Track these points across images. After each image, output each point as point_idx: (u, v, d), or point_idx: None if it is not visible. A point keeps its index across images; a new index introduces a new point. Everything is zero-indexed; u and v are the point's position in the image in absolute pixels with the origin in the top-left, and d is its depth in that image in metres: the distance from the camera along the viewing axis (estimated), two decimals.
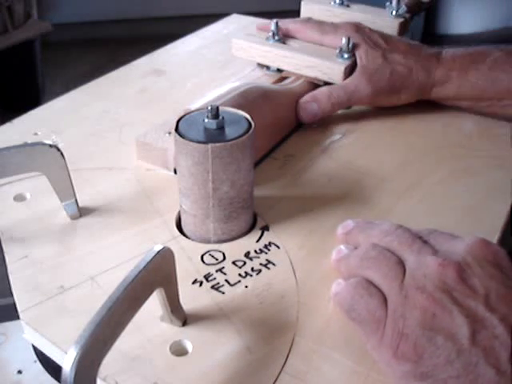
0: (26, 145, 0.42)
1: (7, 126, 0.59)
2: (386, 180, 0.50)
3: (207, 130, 0.40)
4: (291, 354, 0.34)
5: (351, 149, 0.55)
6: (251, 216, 0.44)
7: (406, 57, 0.59)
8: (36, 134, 0.57)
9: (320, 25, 0.62)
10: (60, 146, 0.55)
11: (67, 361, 0.26)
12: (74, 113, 0.62)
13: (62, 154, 0.43)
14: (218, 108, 0.40)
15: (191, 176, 0.40)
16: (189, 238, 0.43)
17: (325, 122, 0.59)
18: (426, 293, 0.32)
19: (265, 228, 0.44)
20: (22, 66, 1.99)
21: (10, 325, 0.50)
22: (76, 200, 0.45)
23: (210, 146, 0.39)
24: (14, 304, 0.38)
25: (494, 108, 0.59)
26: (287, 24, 0.63)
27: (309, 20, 0.64)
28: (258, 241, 0.43)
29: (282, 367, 0.33)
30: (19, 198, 0.47)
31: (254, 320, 0.36)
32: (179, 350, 0.34)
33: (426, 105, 0.62)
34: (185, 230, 0.44)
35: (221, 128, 0.40)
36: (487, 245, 0.34)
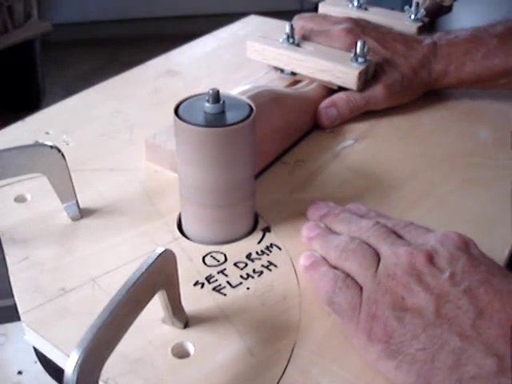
0: (26, 146, 0.42)
1: (19, 124, 0.59)
2: (396, 188, 0.49)
3: (207, 114, 0.39)
4: (290, 366, 0.34)
5: (363, 155, 0.54)
6: (252, 217, 0.44)
7: (407, 60, 0.60)
8: (47, 133, 0.57)
9: (319, 25, 0.63)
10: (70, 145, 0.55)
11: (69, 364, 0.26)
12: (86, 112, 0.62)
13: (62, 155, 0.43)
14: (218, 92, 0.39)
15: (190, 161, 0.40)
16: (190, 240, 0.43)
17: (337, 127, 0.58)
18: (395, 279, 0.34)
19: (266, 229, 0.44)
20: (22, 65, 1.99)
21: (10, 326, 0.50)
22: (77, 201, 0.44)
23: (209, 129, 0.38)
24: (15, 305, 0.38)
25: (492, 86, 0.61)
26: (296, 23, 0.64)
27: (311, 17, 0.65)
28: (259, 242, 0.43)
29: (284, 370, 0.33)
30: (20, 199, 0.47)
31: (255, 322, 0.36)
32: (181, 353, 0.34)
33: (442, 112, 0.61)
34: (186, 231, 0.44)
35: (221, 113, 0.39)
36: (458, 235, 0.35)
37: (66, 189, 0.44)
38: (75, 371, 0.25)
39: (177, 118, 0.39)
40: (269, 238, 0.43)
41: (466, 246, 0.35)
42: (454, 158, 0.54)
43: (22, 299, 0.38)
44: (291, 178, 0.51)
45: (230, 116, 0.39)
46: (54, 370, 0.42)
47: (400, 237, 0.38)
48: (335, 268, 0.38)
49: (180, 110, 0.40)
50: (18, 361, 0.49)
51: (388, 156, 0.54)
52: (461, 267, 0.33)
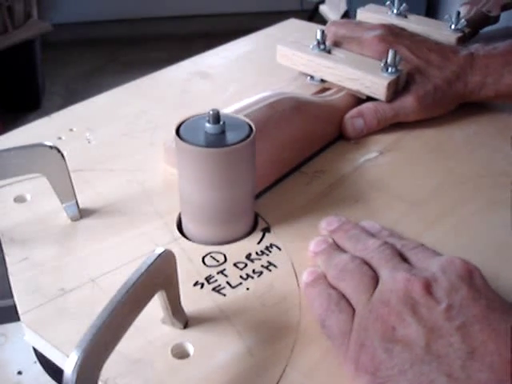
0: (26, 146, 0.42)
1: (45, 119, 0.59)
2: (417, 206, 0.47)
3: (208, 134, 0.40)
4: None
5: (386, 169, 0.52)
6: (252, 218, 0.44)
7: (441, 70, 0.58)
8: (71, 130, 0.57)
9: (351, 31, 0.61)
10: (92, 143, 0.55)
11: (69, 364, 0.26)
12: (112, 111, 0.62)
13: (62, 155, 0.42)
14: (218, 113, 0.39)
15: (191, 180, 0.40)
16: (190, 240, 0.43)
17: (362, 138, 0.56)
18: (389, 306, 0.32)
19: (266, 230, 0.44)
20: (22, 65, 1.99)
21: (10, 326, 0.50)
22: (76, 201, 0.44)
23: (209, 150, 0.38)
24: (14, 305, 0.38)
25: None
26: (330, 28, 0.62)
27: (344, 23, 0.63)
28: (259, 242, 0.43)
29: (284, 370, 0.33)
30: (19, 199, 0.47)
31: (255, 322, 0.36)
32: (180, 353, 0.34)
33: (476, 127, 0.58)
34: (186, 231, 0.44)
35: (221, 133, 0.40)
36: (462, 263, 0.33)
37: (65, 189, 0.44)
38: (74, 371, 0.25)
39: (178, 138, 0.39)
40: (268, 239, 0.43)
41: (470, 275, 0.33)
42: (482, 177, 0.51)
43: (21, 299, 0.38)
44: (308, 189, 0.49)
45: (230, 136, 0.39)
46: (54, 371, 0.42)
47: (406, 259, 0.36)
48: (333, 287, 0.37)
49: (181, 130, 0.40)
50: (18, 361, 0.49)
51: (412, 171, 0.52)
52: (459, 299, 0.31)
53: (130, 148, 0.55)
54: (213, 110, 0.39)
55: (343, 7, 2.01)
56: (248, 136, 0.40)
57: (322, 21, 1.96)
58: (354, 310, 0.34)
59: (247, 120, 0.41)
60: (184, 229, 0.44)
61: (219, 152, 0.39)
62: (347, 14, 1.94)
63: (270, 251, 0.42)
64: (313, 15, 2.28)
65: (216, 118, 0.39)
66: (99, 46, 2.59)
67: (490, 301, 0.31)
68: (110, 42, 2.63)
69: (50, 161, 0.42)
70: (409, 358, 0.30)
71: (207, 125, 0.40)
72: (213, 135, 0.40)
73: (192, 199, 0.41)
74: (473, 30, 0.69)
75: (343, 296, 0.35)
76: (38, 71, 2.05)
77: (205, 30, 2.67)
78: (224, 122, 0.40)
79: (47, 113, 0.62)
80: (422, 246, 0.37)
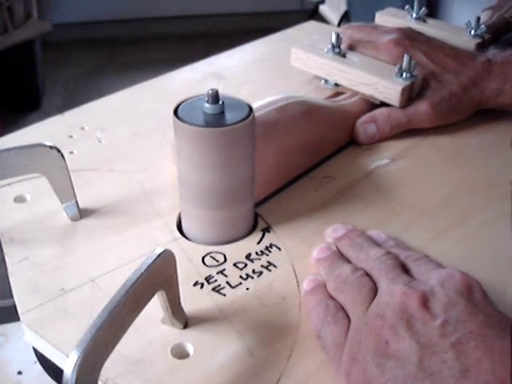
0: (26, 146, 0.42)
1: (58, 117, 0.59)
2: (426, 215, 0.46)
3: (207, 114, 0.39)
4: None
5: (397, 176, 0.51)
6: (252, 217, 0.44)
7: (457, 76, 0.57)
8: (83, 128, 0.57)
9: (367, 35, 0.61)
10: (102, 142, 0.55)
11: (68, 364, 0.26)
12: (125, 110, 0.62)
13: (62, 155, 0.43)
14: (217, 93, 0.39)
15: (190, 161, 0.40)
16: (190, 240, 0.43)
17: (374, 144, 0.55)
18: (383, 320, 0.31)
19: (266, 230, 0.44)
20: (22, 65, 1.99)
21: (10, 326, 0.50)
22: (76, 201, 0.44)
23: (208, 130, 0.38)
24: (14, 305, 0.38)
25: None
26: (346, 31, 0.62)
27: (360, 27, 0.63)
28: (259, 242, 0.43)
29: (283, 370, 0.33)
30: (19, 199, 0.47)
31: (255, 322, 0.36)
32: (180, 353, 0.34)
33: (491, 135, 0.57)
34: (186, 231, 0.44)
35: (221, 113, 0.39)
36: (462, 277, 0.33)
37: (65, 189, 0.44)
38: (74, 371, 0.25)
39: (176, 119, 0.39)
40: (268, 239, 0.43)
41: (469, 289, 0.32)
42: (495, 187, 0.50)
43: (21, 299, 0.38)
44: (315, 194, 0.48)
45: (230, 116, 0.39)
46: (54, 371, 0.42)
47: (408, 270, 0.36)
48: (333, 298, 0.36)
49: (179, 111, 0.40)
50: (18, 361, 0.49)
51: (424, 179, 0.51)
52: (456, 315, 0.30)
53: (140, 148, 0.55)
54: (212, 89, 0.38)
55: (343, 7, 2.01)
56: (247, 116, 0.39)
57: (321, 21, 1.96)
58: (349, 322, 0.34)
59: (246, 101, 0.41)
60: (184, 229, 0.44)
61: (218, 132, 0.38)
62: (347, 15, 1.94)
63: (270, 251, 0.42)
64: (313, 15, 2.29)
65: (215, 97, 0.39)
66: (99, 46, 2.59)
67: (487, 317, 0.30)
68: (110, 42, 2.63)
69: (49, 161, 0.42)
70: (401, 375, 0.29)
71: (206, 105, 0.39)
72: (212, 115, 0.39)
73: (190, 182, 0.41)
74: (493, 36, 0.67)
75: (341, 308, 0.35)
76: (38, 71, 2.05)
77: (205, 30, 2.67)
78: (223, 102, 0.39)
79: (47, 113, 0.62)
80: (426, 258, 0.37)
